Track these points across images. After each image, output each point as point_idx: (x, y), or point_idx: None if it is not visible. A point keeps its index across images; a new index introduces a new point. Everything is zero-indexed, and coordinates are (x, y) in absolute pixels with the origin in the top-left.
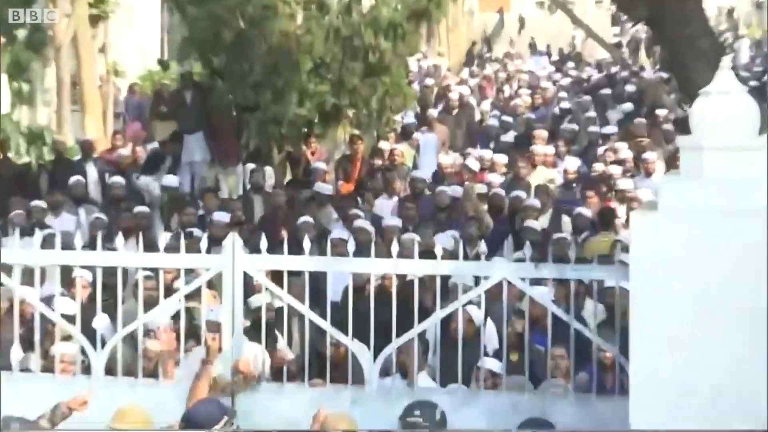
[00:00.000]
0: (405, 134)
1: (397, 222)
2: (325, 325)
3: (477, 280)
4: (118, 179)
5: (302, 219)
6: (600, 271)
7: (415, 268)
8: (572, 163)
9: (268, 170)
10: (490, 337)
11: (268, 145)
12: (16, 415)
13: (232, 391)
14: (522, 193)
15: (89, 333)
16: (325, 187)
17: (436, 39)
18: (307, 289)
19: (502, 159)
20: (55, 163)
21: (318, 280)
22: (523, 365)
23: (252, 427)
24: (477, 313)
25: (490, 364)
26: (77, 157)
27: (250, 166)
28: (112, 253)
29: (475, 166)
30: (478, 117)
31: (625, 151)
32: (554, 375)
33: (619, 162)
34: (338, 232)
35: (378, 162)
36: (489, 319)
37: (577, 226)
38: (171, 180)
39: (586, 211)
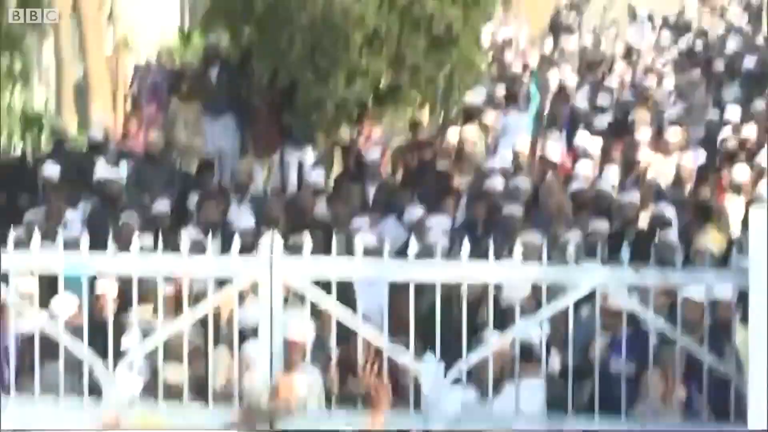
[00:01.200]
0: (476, 117)
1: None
2: (385, 343)
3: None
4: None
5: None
6: (714, 276)
7: (491, 272)
8: (689, 157)
9: (311, 161)
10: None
11: (311, 132)
12: None
13: (271, 419)
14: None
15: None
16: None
17: (513, 4)
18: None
19: (592, 146)
20: (56, 153)
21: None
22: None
23: None
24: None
25: None
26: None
27: (292, 156)
28: (126, 255)
29: (555, 155)
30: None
31: (750, 132)
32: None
33: (741, 145)
34: (396, 231)
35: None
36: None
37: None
38: None
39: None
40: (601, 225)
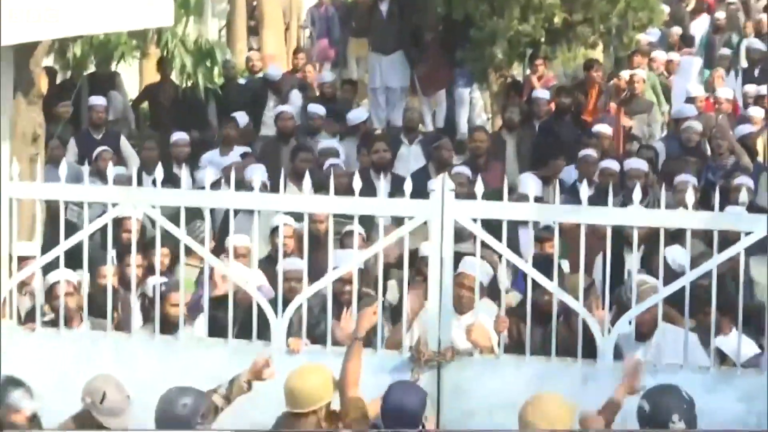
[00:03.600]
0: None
1: (642, 165)
2: (553, 288)
3: None
4: (317, 108)
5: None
6: None
7: (664, 218)
8: None
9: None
10: None
11: (483, 69)
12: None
13: (438, 364)
14: None
15: None
16: None
17: None
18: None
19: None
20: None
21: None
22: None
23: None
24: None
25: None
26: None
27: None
28: (297, 196)
29: (729, 94)
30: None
31: None
32: None
33: None
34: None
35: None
36: None
37: None
38: (359, 114)
39: None
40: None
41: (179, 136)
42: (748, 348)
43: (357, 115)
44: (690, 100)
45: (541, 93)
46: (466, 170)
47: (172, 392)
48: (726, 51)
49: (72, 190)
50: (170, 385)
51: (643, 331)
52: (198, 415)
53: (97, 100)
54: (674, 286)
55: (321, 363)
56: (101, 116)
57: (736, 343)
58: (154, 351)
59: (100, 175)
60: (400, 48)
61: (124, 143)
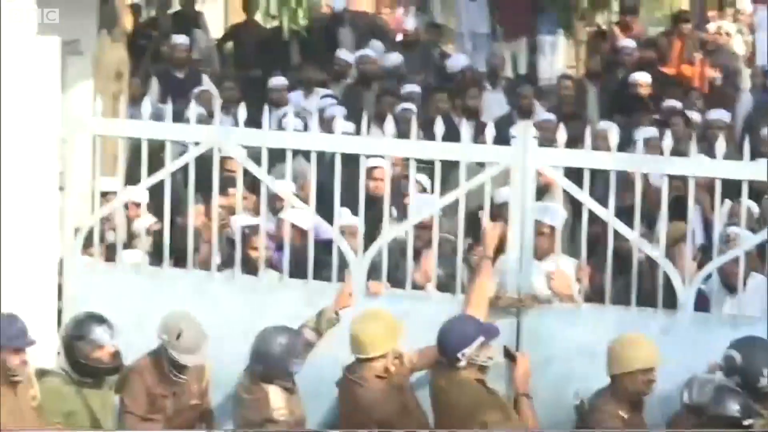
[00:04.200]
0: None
1: (725, 116)
2: (634, 236)
3: None
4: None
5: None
6: None
7: (743, 170)
8: None
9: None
10: None
11: (567, 17)
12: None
13: (518, 309)
14: None
15: None
16: None
17: None
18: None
19: None
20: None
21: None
22: None
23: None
24: None
25: None
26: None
27: (541, 40)
28: (379, 139)
29: None
30: None
31: None
32: None
33: None
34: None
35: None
36: None
37: None
38: (459, 60)
39: None
40: None
41: (278, 81)
42: None
43: (457, 61)
44: None
45: (627, 42)
46: (552, 117)
47: (267, 332)
48: None
49: (155, 127)
50: (250, 325)
51: (731, 283)
52: (294, 353)
53: (180, 39)
54: (756, 239)
55: (383, 309)
56: (184, 55)
57: None
58: (236, 291)
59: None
60: None
61: (207, 83)
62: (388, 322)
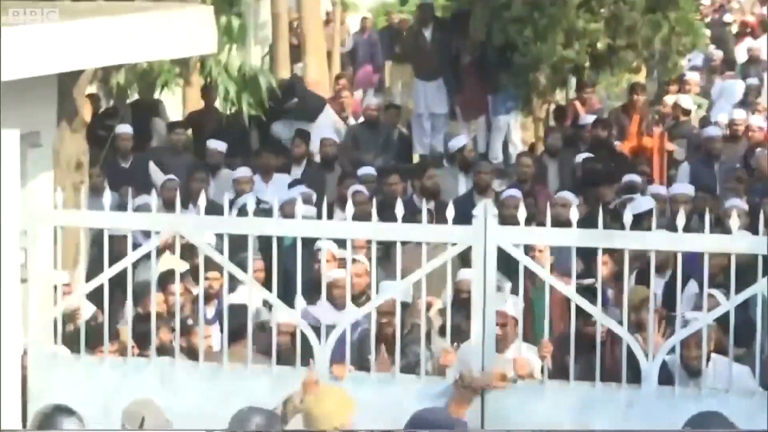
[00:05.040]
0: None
1: (689, 189)
2: (597, 312)
3: None
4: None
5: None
6: None
7: (706, 244)
8: None
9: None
10: None
11: (526, 95)
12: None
13: (482, 390)
14: None
15: None
16: None
17: None
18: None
19: None
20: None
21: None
22: None
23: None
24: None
25: None
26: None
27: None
28: (339, 223)
29: (762, 122)
30: None
31: None
32: None
33: None
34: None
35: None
36: None
37: None
38: (459, 140)
39: None
40: None
41: (242, 172)
42: None
43: (458, 141)
44: (732, 123)
45: (588, 118)
46: (517, 193)
47: (242, 412)
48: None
49: (116, 217)
50: (213, 411)
51: (692, 367)
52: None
53: (123, 128)
54: (716, 313)
55: (337, 386)
56: (127, 144)
57: None
58: (198, 378)
59: (166, 205)
60: (444, 74)
61: (153, 169)
62: (341, 398)
